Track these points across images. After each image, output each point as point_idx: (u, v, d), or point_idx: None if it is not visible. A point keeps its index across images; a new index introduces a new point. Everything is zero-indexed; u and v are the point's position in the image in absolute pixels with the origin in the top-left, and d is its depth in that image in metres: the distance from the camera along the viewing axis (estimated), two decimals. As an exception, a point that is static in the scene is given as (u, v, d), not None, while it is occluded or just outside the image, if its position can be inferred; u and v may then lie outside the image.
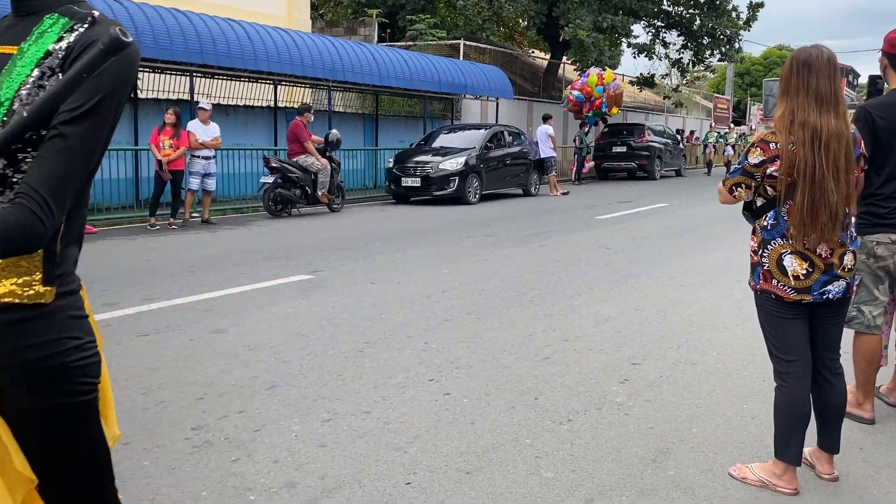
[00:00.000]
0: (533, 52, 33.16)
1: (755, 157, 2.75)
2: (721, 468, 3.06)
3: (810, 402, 2.87)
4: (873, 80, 3.76)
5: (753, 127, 32.18)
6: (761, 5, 27.42)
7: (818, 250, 2.73)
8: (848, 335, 3.35)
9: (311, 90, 16.97)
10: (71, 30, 1.40)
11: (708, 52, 28.38)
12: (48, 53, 1.38)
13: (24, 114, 1.29)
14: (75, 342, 1.42)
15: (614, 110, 22.08)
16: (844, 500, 2.84)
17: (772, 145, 2.72)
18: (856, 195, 2.95)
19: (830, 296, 2.76)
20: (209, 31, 12.44)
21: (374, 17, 23.19)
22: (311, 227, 11.14)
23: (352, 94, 18.23)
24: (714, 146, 28.06)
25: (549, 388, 4.01)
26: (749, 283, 2.92)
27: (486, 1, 22.25)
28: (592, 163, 22.80)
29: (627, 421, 3.56)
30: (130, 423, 3.47)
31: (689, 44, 27.86)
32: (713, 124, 34.49)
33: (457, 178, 14.53)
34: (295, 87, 16.53)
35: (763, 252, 2.81)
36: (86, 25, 1.40)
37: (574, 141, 22.05)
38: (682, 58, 29.18)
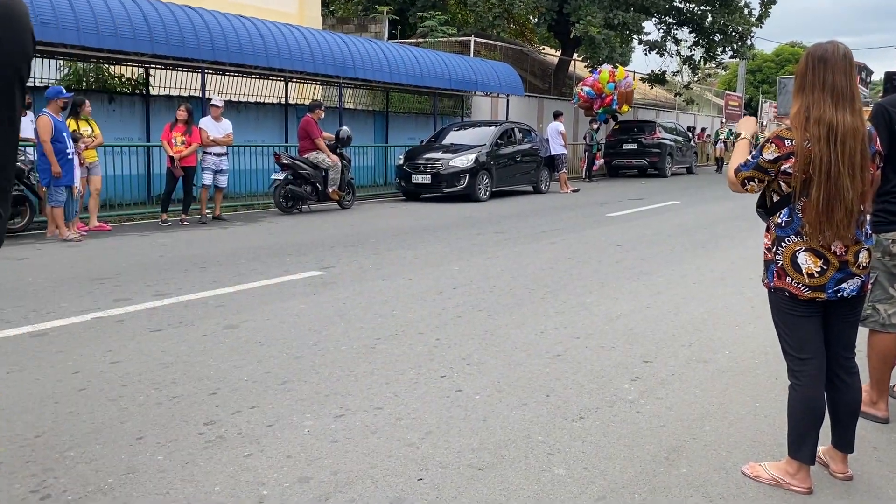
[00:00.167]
0: (543, 48, 33.04)
1: (770, 153, 2.74)
2: (734, 466, 3.05)
3: (824, 400, 2.85)
4: (889, 76, 3.73)
5: (765, 124, 31.95)
6: (774, 2, 27.21)
7: (833, 248, 2.72)
8: (863, 333, 3.34)
9: (321, 87, 17.00)
10: None
11: (719, 49, 28.20)
12: None
13: None
14: None
15: (625, 108, 21.98)
16: (858, 500, 2.82)
17: (787, 142, 2.71)
18: (871, 192, 2.94)
19: (845, 294, 2.74)
20: (221, 28, 12.48)
21: (385, 13, 23.20)
22: (321, 223, 11.16)
23: (362, 91, 18.25)
24: (725, 143, 27.92)
25: (560, 386, 4.00)
26: (763, 281, 2.91)
27: (497, -3, 22.22)
28: (602, 160, 22.73)
29: (639, 418, 3.56)
30: (144, 417, 3.49)
31: (700, 41, 27.69)
32: (723, 121, 34.30)
33: (467, 175, 14.52)
34: (306, 84, 16.56)
35: (777, 249, 2.79)
36: None
37: (584, 138, 21.99)
38: (693, 55, 29.04)
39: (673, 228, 10.63)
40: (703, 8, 26.67)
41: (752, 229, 10.10)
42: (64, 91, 9.26)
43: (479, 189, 14.80)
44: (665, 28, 27.78)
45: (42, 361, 4.31)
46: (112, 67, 13.55)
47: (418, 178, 14.63)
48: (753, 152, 2.83)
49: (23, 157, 9.54)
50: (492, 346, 4.72)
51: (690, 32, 27.85)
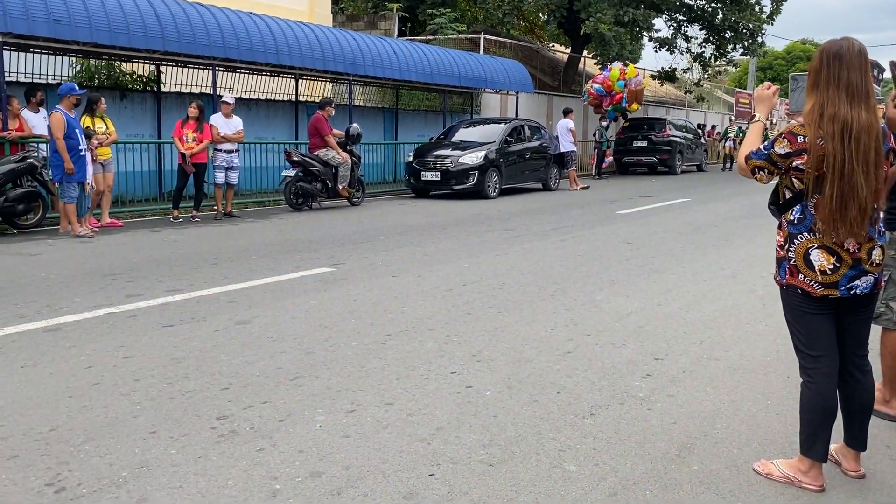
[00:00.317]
0: (553, 46, 32.95)
1: (781, 148, 2.73)
2: (745, 464, 3.05)
3: (837, 398, 2.84)
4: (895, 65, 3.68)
5: (775, 121, 31.78)
6: (785, -1, 27.07)
7: (846, 245, 2.71)
8: (875, 331, 3.32)
9: (332, 84, 17.02)
10: None
11: (730, 47, 28.03)
12: None
13: None
14: None
15: (634, 106, 21.88)
16: (871, 498, 2.82)
17: (800, 138, 2.70)
18: (885, 190, 2.92)
19: (858, 291, 2.73)
20: (232, 25, 12.51)
21: (395, 11, 23.20)
22: (331, 220, 11.19)
23: (372, 88, 18.26)
24: (734, 140, 27.79)
25: (571, 383, 4.01)
26: (775, 278, 2.90)
27: (507, -5, 22.18)
28: (612, 157, 22.66)
29: (650, 416, 3.56)
30: (157, 412, 3.52)
31: (711, 38, 27.54)
32: (733, 118, 34.14)
33: (476, 173, 14.52)
34: (316, 81, 16.59)
35: (789, 246, 2.79)
36: None
37: (594, 135, 21.94)
38: (703, 52, 28.88)
39: (683, 226, 10.60)
40: (713, 5, 26.53)
41: (763, 227, 10.05)
42: (77, 88, 9.32)
43: (489, 186, 14.79)
44: (675, 25, 27.66)
45: (56, 356, 4.35)
46: (124, 64, 13.61)
47: (428, 176, 14.64)
48: (766, 143, 2.81)
49: (36, 154, 9.61)
50: (502, 343, 4.72)
51: (701, 29, 27.71)
